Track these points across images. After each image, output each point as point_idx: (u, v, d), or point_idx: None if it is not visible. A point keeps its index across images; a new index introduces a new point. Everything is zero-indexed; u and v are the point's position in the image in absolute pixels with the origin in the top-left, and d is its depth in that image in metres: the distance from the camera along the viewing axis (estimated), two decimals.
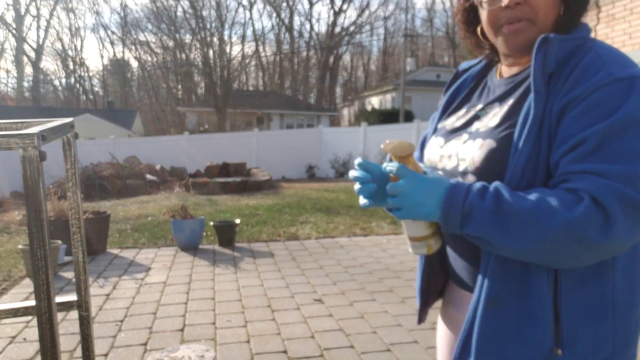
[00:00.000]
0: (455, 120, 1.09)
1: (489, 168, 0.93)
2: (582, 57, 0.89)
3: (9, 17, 40.35)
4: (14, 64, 40.21)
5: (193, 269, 4.89)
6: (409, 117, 21.37)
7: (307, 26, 48.84)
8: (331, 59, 39.22)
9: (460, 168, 0.99)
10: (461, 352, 0.96)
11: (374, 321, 3.50)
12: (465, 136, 1.02)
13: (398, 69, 32.87)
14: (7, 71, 47.87)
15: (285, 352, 3.01)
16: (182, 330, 3.35)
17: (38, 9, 45.35)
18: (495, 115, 0.98)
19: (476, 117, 1.03)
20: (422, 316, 1.22)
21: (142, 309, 3.78)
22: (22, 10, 38.41)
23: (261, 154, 16.48)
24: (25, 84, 41.20)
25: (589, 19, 7.82)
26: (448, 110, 1.15)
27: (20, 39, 38.63)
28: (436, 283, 1.17)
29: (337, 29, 39.63)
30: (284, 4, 39.02)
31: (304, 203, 9.18)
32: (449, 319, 1.14)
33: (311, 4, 43.28)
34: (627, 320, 0.91)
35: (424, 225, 0.97)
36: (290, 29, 39.72)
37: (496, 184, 0.87)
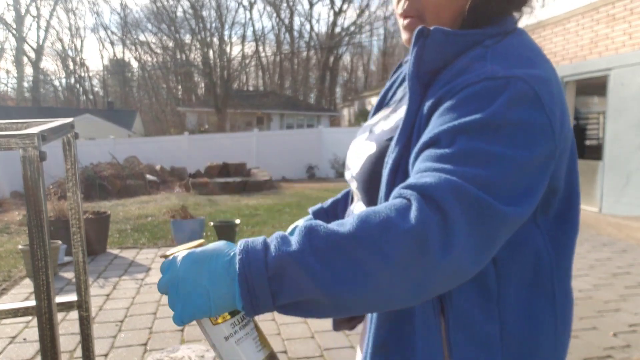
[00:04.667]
0: (376, 116, 0.97)
1: (367, 174, 0.84)
2: (470, 53, 0.77)
3: (9, 17, 40.38)
4: (14, 64, 40.22)
5: None
6: None
7: (307, 26, 48.87)
8: (331, 59, 39.23)
9: (353, 171, 0.89)
10: None
11: None
12: (366, 135, 0.92)
13: None
14: (7, 71, 47.87)
15: (285, 352, 3.01)
16: (182, 330, 3.35)
17: (38, 9, 45.38)
18: (396, 115, 0.88)
19: (387, 116, 0.92)
20: (335, 325, 1.07)
21: (142, 309, 3.77)
22: (22, 10, 38.43)
23: (261, 154, 16.48)
24: (25, 84, 41.22)
25: (590, 20, 7.81)
26: (383, 104, 1.02)
27: (20, 39, 38.64)
28: None
29: (337, 29, 39.68)
30: (284, 4, 39.04)
31: (304, 203, 9.18)
32: (361, 347, 1.00)
33: (311, 4, 43.27)
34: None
35: (256, 345, 0.66)
36: (290, 29, 39.75)
37: (306, 222, 0.65)
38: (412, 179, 0.67)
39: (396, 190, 0.67)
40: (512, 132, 0.67)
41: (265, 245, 0.61)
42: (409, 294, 0.62)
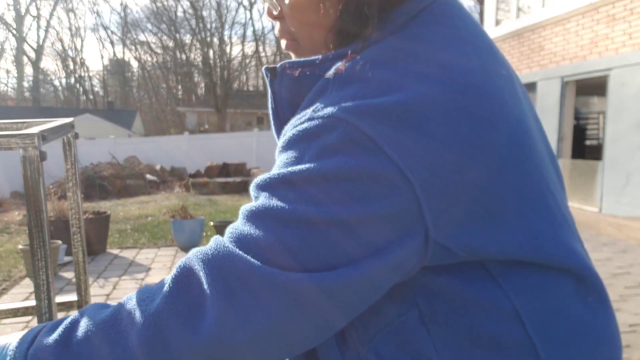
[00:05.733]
0: None
1: None
2: (315, 88, 0.63)
3: (9, 17, 40.42)
4: (14, 64, 40.27)
5: None
6: None
7: None
8: None
9: None
10: None
11: None
12: None
13: None
14: (7, 71, 47.94)
15: None
16: None
17: (38, 9, 45.42)
18: None
19: None
20: None
21: None
22: (22, 10, 38.46)
23: (261, 154, 16.49)
24: (25, 84, 41.27)
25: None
26: None
27: (20, 39, 38.67)
28: None
29: None
30: None
31: None
32: None
33: None
34: None
35: None
36: None
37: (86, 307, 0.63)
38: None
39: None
40: (318, 188, 0.54)
41: (35, 335, 0.61)
42: None
